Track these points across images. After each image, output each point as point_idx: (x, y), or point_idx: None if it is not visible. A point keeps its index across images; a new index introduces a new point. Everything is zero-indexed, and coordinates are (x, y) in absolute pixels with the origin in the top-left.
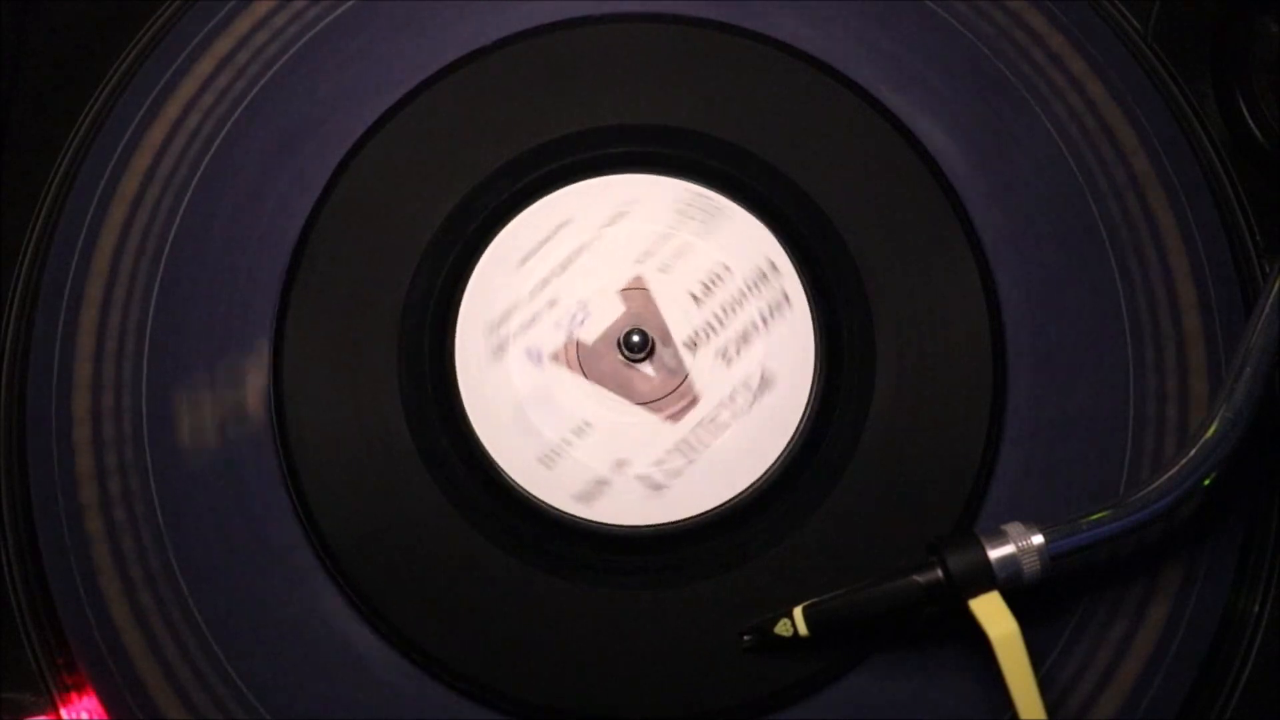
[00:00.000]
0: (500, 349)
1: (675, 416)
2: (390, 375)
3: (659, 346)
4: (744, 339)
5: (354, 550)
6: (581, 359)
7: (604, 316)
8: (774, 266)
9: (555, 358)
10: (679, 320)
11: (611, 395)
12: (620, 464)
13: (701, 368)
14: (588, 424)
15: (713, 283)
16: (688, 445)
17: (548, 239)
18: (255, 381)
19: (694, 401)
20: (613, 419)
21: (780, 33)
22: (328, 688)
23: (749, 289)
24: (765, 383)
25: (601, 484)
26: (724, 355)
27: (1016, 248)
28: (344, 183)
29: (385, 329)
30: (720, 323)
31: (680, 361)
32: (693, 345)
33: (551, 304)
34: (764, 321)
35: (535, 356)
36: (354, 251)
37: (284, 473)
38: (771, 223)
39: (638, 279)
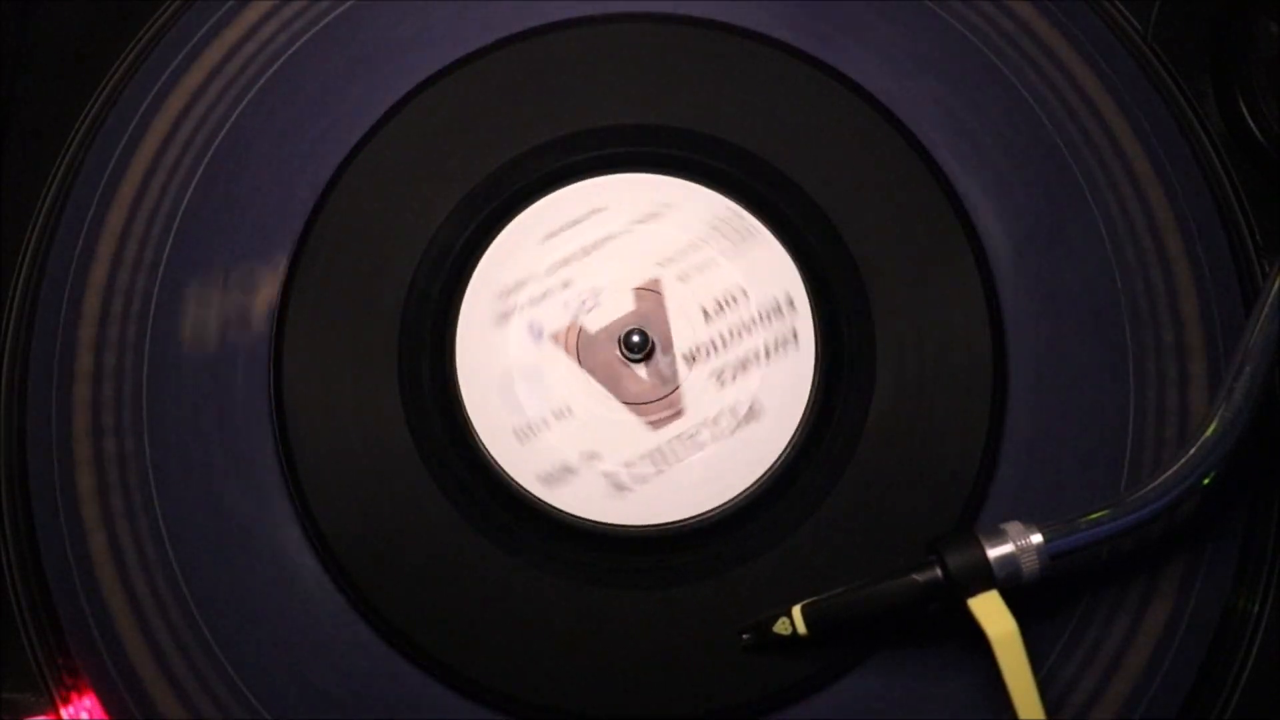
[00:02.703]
0: (505, 316)
1: (656, 424)
2: (390, 375)
3: (658, 352)
4: (743, 366)
5: (354, 550)
6: (580, 345)
7: (612, 309)
8: (791, 303)
9: (555, 338)
10: (684, 331)
11: (599, 388)
12: (591, 456)
13: (694, 383)
14: (569, 409)
15: (727, 303)
16: (660, 455)
17: (578, 221)
18: (255, 381)
19: (678, 414)
20: (595, 411)
21: (783, 35)
22: (327, 687)
23: (760, 318)
24: (753, 413)
25: (568, 471)
26: (719, 376)
27: (1016, 247)
28: (344, 182)
29: (385, 328)
30: (724, 344)
31: (675, 371)
32: (691, 359)
33: (565, 285)
34: (767, 354)
35: (536, 331)
36: (354, 251)
37: (284, 473)
38: (799, 258)
39: (654, 281)
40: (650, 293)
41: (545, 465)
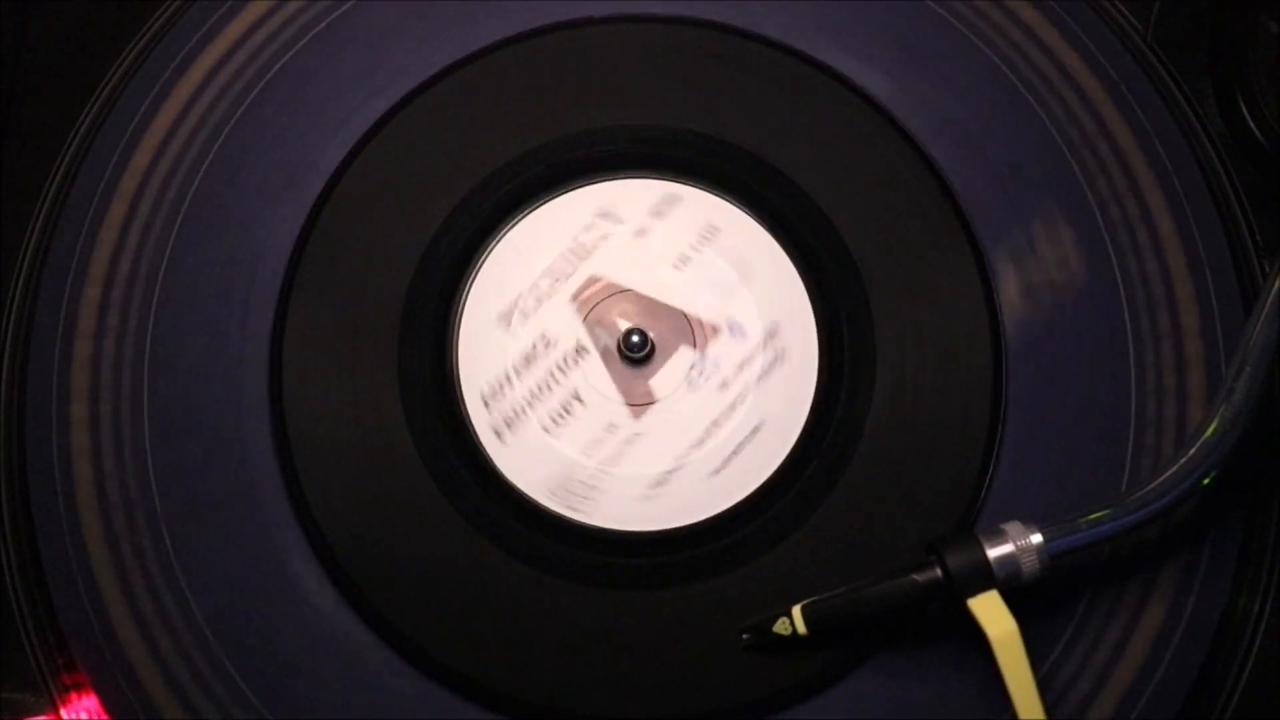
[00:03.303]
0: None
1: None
2: (390, 375)
3: (659, 353)
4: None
5: (354, 550)
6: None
7: (613, 314)
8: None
9: (556, 342)
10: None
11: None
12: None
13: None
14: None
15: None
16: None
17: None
18: (255, 381)
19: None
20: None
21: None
22: (326, 687)
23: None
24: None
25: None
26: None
27: (1016, 247)
28: (344, 183)
29: (385, 328)
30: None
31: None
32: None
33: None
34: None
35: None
36: (354, 251)
37: (284, 472)
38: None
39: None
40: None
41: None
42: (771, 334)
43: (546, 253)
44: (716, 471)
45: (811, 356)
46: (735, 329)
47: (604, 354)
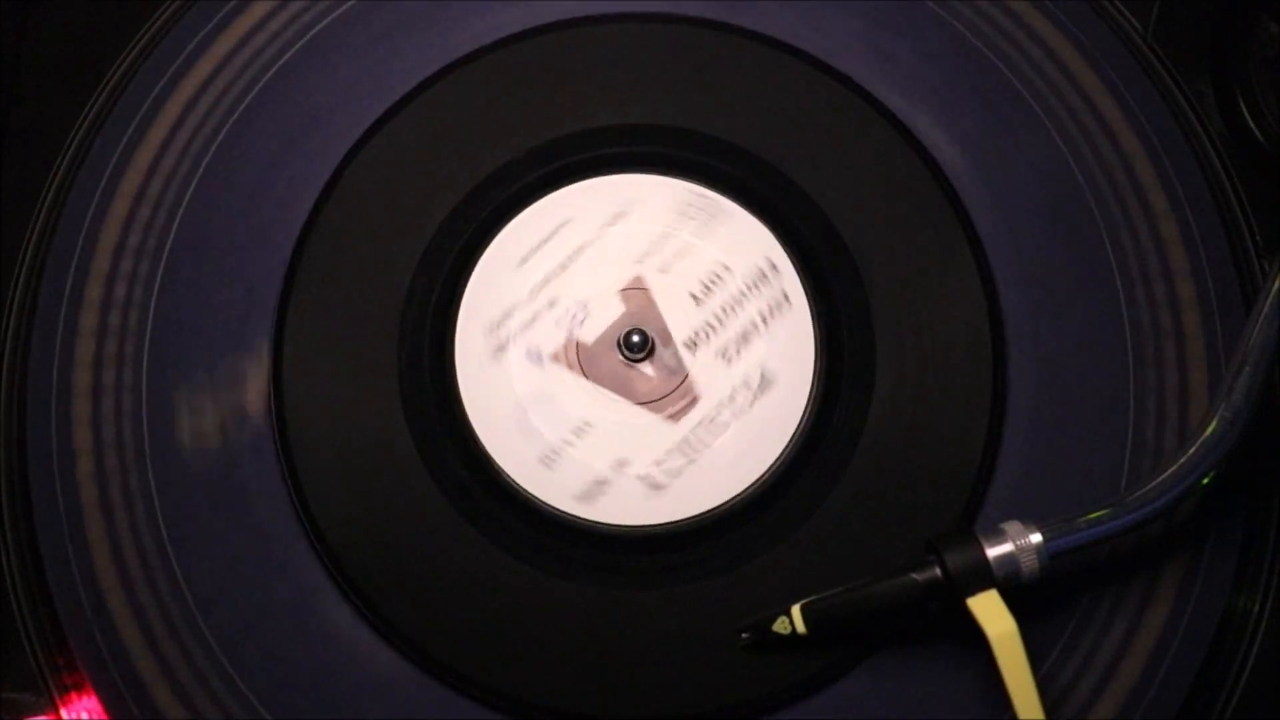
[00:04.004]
0: (500, 349)
1: (675, 416)
2: (390, 375)
3: (659, 346)
4: (744, 339)
5: (354, 550)
6: (581, 359)
7: (604, 316)
8: (774, 266)
9: (555, 358)
10: (679, 320)
11: (611, 395)
12: (621, 464)
13: (701, 367)
14: (588, 424)
15: (712, 283)
16: (688, 445)
17: (548, 239)
18: (255, 381)
19: (694, 401)
20: (613, 419)
21: (781, 33)
22: (327, 687)
23: (749, 289)
24: (765, 382)
25: (602, 484)
26: (724, 355)
27: (1016, 247)
28: (344, 183)
29: (385, 329)
30: (720, 322)
31: (680, 361)
32: (693, 345)
33: (551, 304)
34: (764, 321)
35: (535, 356)
36: (354, 251)
37: (284, 473)
38: (771, 222)
39: (638, 279)
40: (636, 291)
41: (579, 484)
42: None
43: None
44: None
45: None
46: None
47: (606, 358)
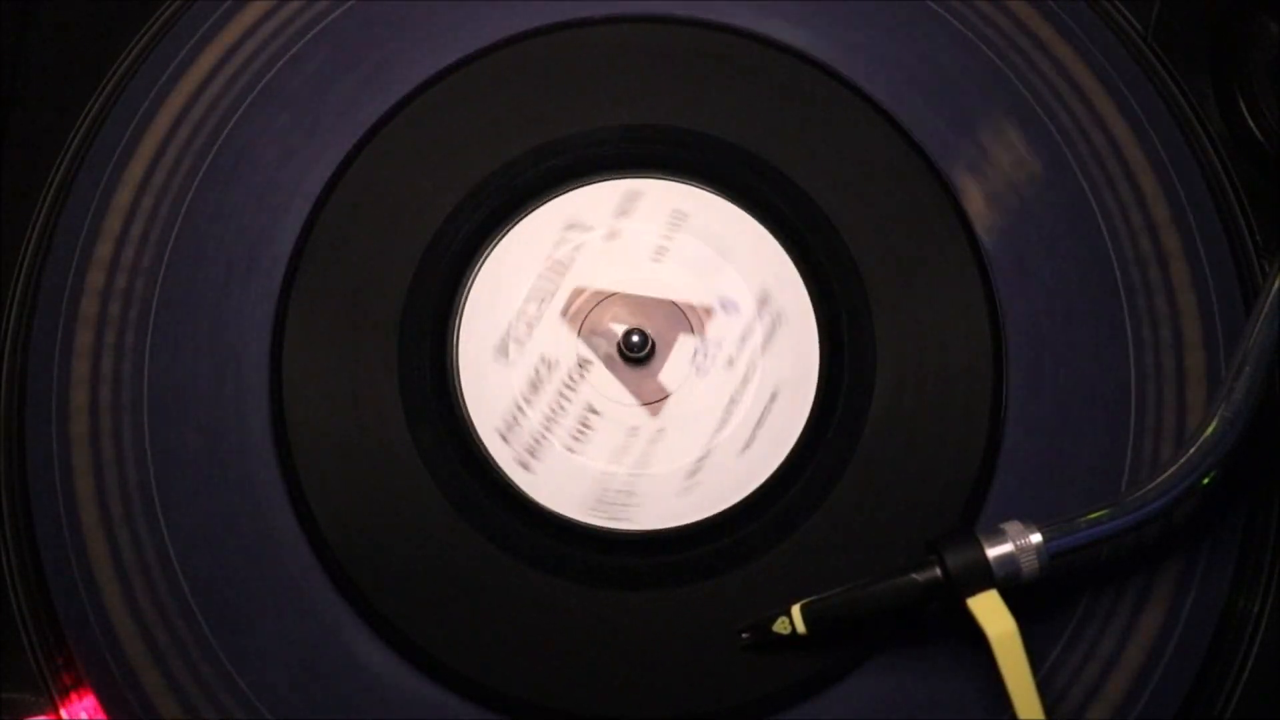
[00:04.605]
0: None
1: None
2: (390, 375)
3: (660, 349)
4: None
5: (353, 550)
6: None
7: (606, 317)
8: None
9: (555, 358)
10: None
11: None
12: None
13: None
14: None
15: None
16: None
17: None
18: (255, 382)
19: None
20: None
21: (781, 33)
22: (327, 687)
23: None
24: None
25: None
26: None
27: (1015, 247)
28: (344, 183)
29: (385, 329)
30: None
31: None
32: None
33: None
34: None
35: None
36: (354, 251)
37: (284, 473)
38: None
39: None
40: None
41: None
42: (764, 301)
43: (550, 252)
44: (746, 447)
45: (814, 362)
46: (728, 305)
47: (607, 361)
